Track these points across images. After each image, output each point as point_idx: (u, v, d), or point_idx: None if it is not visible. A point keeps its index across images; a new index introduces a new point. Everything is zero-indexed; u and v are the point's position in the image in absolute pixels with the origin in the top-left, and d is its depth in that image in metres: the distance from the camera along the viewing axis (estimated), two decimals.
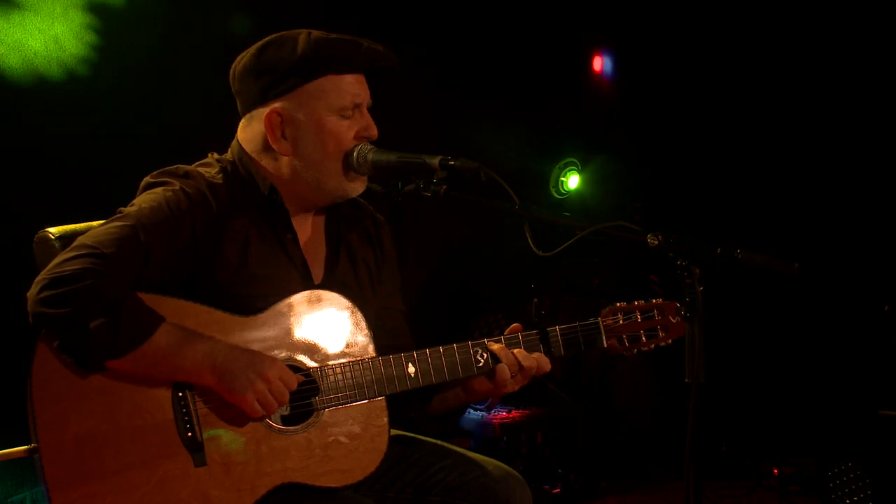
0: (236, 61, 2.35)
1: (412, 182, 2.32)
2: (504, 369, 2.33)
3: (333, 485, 2.22)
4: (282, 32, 2.32)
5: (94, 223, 2.32)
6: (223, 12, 4.30)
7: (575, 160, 5.84)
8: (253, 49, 2.32)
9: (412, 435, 2.51)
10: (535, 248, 2.25)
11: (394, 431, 2.47)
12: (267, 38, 2.32)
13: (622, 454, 5.27)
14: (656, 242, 2.18)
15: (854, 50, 5.50)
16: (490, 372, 2.35)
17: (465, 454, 2.44)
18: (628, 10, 5.86)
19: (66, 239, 2.29)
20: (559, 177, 5.81)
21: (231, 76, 2.36)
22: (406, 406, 2.44)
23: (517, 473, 2.42)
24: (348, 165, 2.32)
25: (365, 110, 2.34)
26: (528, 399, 4.99)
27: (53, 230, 2.35)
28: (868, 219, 5.51)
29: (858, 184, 5.54)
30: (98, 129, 4.01)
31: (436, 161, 2.26)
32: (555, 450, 4.89)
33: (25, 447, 2.07)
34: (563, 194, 5.82)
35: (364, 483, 2.37)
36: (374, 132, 2.35)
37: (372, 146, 2.33)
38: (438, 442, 2.49)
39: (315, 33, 2.29)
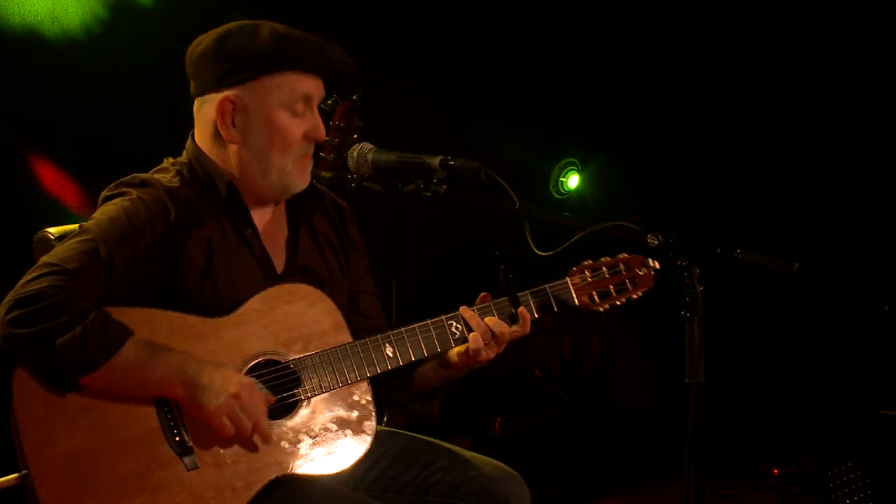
0: (194, 44, 2.33)
1: (412, 182, 2.32)
2: (476, 338, 2.32)
3: (327, 472, 2.22)
4: (242, 21, 2.31)
5: None
6: (234, 11, 4.29)
7: (575, 160, 5.84)
8: (214, 33, 2.30)
9: (411, 434, 2.51)
10: (535, 248, 2.26)
11: (394, 430, 2.48)
12: (229, 25, 2.31)
13: (622, 454, 5.27)
14: (656, 242, 2.19)
15: (854, 50, 5.50)
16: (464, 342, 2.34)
17: (464, 454, 2.44)
18: (628, 9, 5.85)
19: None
20: (559, 177, 5.81)
21: (188, 58, 2.34)
22: (389, 388, 2.44)
23: (516, 473, 2.42)
24: (299, 156, 2.31)
25: (315, 110, 2.33)
26: (528, 399, 5.00)
27: (53, 230, 2.35)
28: (868, 219, 5.51)
29: (858, 184, 5.54)
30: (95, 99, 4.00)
31: (436, 161, 2.26)
32: (555, 450, 4.89)
33: (15, 475, 2.06)
34: (563, 194, 5.82)
35: (362, 480, 2.38)
36: (322, 134, 2.34)
37: (372, 146, 2.33)
38: (437, 441, 2.49)
39: (279, 27, 2.29)
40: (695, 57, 5.84)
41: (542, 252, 2.25)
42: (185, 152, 2.37)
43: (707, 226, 5.45)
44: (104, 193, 2.27)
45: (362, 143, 2.34)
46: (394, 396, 2.45)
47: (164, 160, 2.38)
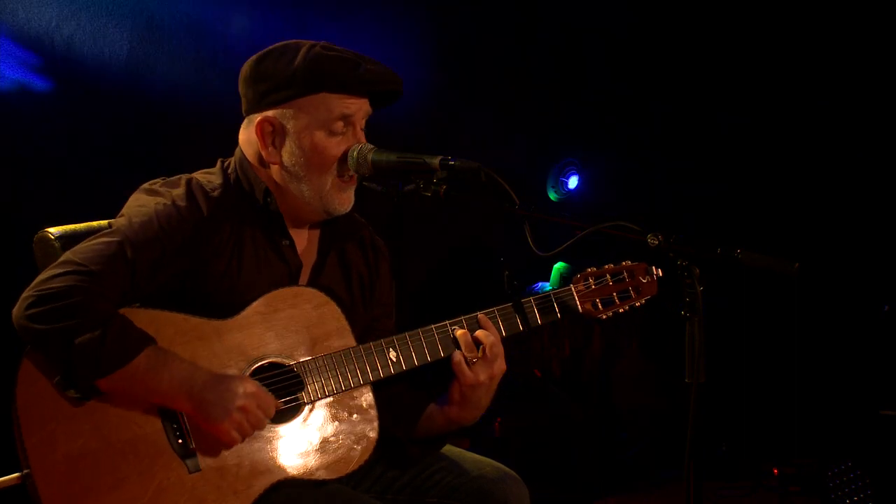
0: (245, 63, 2.36)
1: (412, 182, 2.32)
2: (457, 354, 2.31)
3: (329, 477, 2.22)
4: (287, 42, 2.34)
5: (95, 223, 2.32)
6: (240, 13, 4.28)
7: (575, 160, 5.83)
8: (257, 55, 2.34)
9: None
10: (535, 248, 2.25)
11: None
12: (272, 46, 2.34)
13: (622, 454, 5.27)
14: (656, 242, 2.18)
15: (854, 50, 5.50)
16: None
17: (463, 455, 2.44)
18: (628, 9, 5.85)
19: (66, 239, 2.29)
20: (559, 177, 5.81)
21: (240, 77, 2.38)
22: (392, 426, 2.40)
23: (515, 473, 2.42)
24: (338, 176, 2.32)
25: (358, 127, 2.34)
26: (528, 399, 4.99)
27: (53, 230, 2.35)
28: (867, 219, 5.51)
29: (858, 184, 5.54)
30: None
31: (436, 161, 2.25)
32: (554, 450, 4.89)
33: (17, 474, 2.06)
34: (563, 194, 5.82)
35: (362, 480, 2.38)
36: None
37: (372, 146, 2.33)
38: None
39: (317, 48, 2.29)
40: (694, 56, 5.84)
41: (542, 252, 2.25)
42: (234, 157, 2.39)
43: (707, 226, 5.46)
44: (145, 186, 2.28)
45: (362, 143, 2.34)
46: (397, 435, 2.41)
47: (218, 162, 2.40)
